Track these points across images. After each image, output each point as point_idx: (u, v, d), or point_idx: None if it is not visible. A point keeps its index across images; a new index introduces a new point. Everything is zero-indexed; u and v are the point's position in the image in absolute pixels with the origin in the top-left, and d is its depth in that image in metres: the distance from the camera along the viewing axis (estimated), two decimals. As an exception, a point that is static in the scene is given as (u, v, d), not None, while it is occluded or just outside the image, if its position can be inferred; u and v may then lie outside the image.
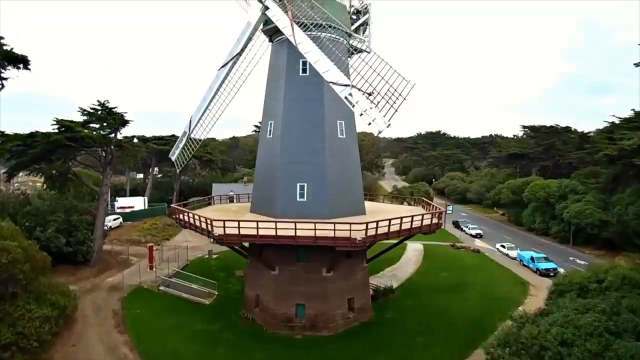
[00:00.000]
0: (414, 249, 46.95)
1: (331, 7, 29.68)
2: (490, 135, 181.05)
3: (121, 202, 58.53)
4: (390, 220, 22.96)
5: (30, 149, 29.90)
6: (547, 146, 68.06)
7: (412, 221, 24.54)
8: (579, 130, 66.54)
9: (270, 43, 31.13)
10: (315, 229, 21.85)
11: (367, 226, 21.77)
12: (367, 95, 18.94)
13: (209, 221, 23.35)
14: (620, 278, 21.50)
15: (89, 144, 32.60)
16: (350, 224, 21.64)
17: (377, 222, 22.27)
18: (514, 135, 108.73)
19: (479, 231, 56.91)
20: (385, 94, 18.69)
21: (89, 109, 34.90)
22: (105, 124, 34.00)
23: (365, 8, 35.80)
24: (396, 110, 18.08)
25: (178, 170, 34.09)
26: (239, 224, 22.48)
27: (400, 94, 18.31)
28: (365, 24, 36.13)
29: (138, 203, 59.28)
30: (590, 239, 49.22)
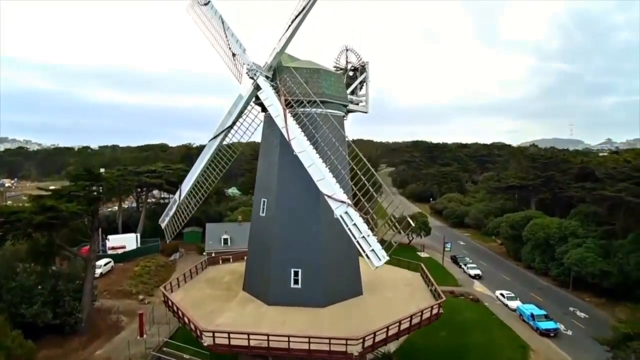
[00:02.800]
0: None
1: (327, 81, 28.52)
2: (487, 145, 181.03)
3: (112, 241, 56.77)
4: (388, 327, 21.96)
5: (13, 229, 28.71)
6: (546, 178, 67.09)
7: (411, 319, 23.54)
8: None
9: (264, 113, 29.93)
10: (309, 342, 20.80)
11: (364, 340, 20.78)
12: (366, 219, 17.75)
13: (198, 329, 22.25)
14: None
15: (74, 218, 31.42)
16: (346, 339, 20.60)
17: (374, 333, 21.27)
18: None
19: (477, 272, 55.96)
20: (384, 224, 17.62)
21: (75, 173, 33.68)
22: (92, 191, 32.74)
23: (363, 66, 34.71)
24: (395, 246, 16.98)
25: (168, 241, 32.85)
26: (229, 335, 21.40)
27: (398, 229, 17.23)
28: (363, 82, 35.07)
29: (130, 242, 57.62)
30: (590, 285, 48.32)
